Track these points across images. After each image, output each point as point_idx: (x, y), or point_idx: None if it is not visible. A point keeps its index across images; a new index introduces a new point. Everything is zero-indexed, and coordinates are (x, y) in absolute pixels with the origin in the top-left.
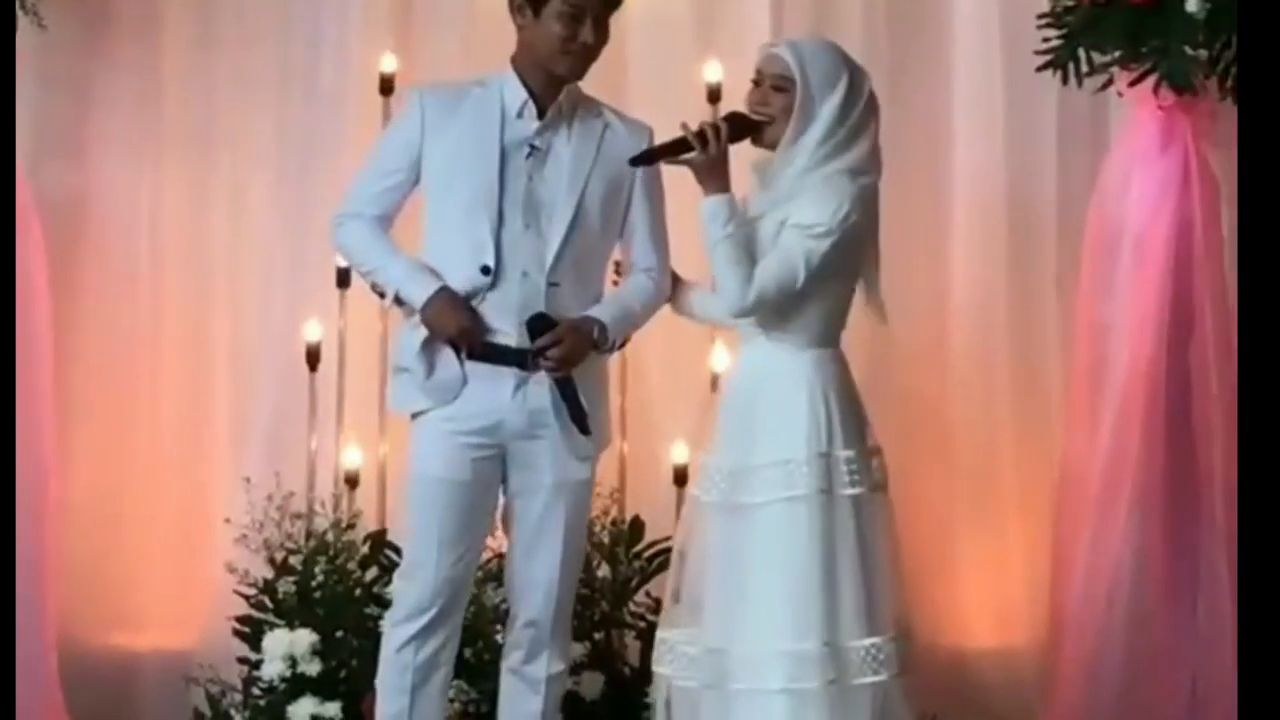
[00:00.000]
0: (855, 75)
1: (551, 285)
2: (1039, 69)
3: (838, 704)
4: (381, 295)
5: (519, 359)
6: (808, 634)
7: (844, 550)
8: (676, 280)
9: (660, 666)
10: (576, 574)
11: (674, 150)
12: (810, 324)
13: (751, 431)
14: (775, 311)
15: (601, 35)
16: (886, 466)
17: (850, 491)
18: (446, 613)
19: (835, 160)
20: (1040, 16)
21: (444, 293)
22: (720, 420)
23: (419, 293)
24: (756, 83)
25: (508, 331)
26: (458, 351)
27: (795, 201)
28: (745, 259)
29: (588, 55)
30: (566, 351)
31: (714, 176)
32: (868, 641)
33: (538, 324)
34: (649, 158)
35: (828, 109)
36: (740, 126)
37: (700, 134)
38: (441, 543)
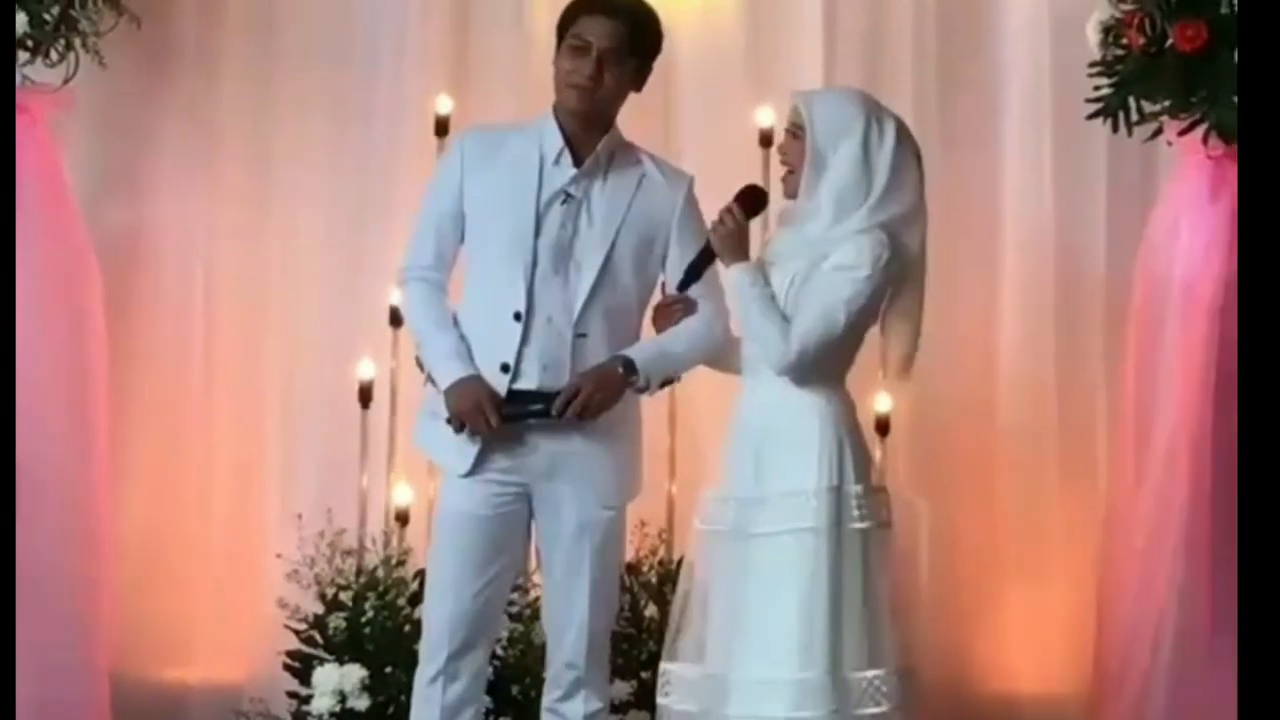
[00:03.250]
0: (875, 121)
1: (579, 336)
2: (1089, 117)
3: None
4: (422, 368)
5: (540, 413)
6: (812, 663)
7: (850, 583)
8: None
9: (662, 698)
10: (611, 613)
11: (709, 258)
12: (826, 370)
13: (762, 463)
14: (808, 366)
15: (613, 76)
16: (890, 505)
17: (859, 526)
18: (468, 648)
19: (870, 213)
20: (1091, 65)
21: (470, 380)
22: (729, 454)
23: (445, 376)
24: (785, 130)
25: (532, 376)
26: (460, 429)
27: (829, 249)
28: (778, 310)
29: (593, 92)
30: (586, 399)
31: (733, 251)
32: (870, 673)
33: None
34: (692, 278)
35: (841, 156)
36: (752, 198)
37: (719, 221)
38: (459, 577)
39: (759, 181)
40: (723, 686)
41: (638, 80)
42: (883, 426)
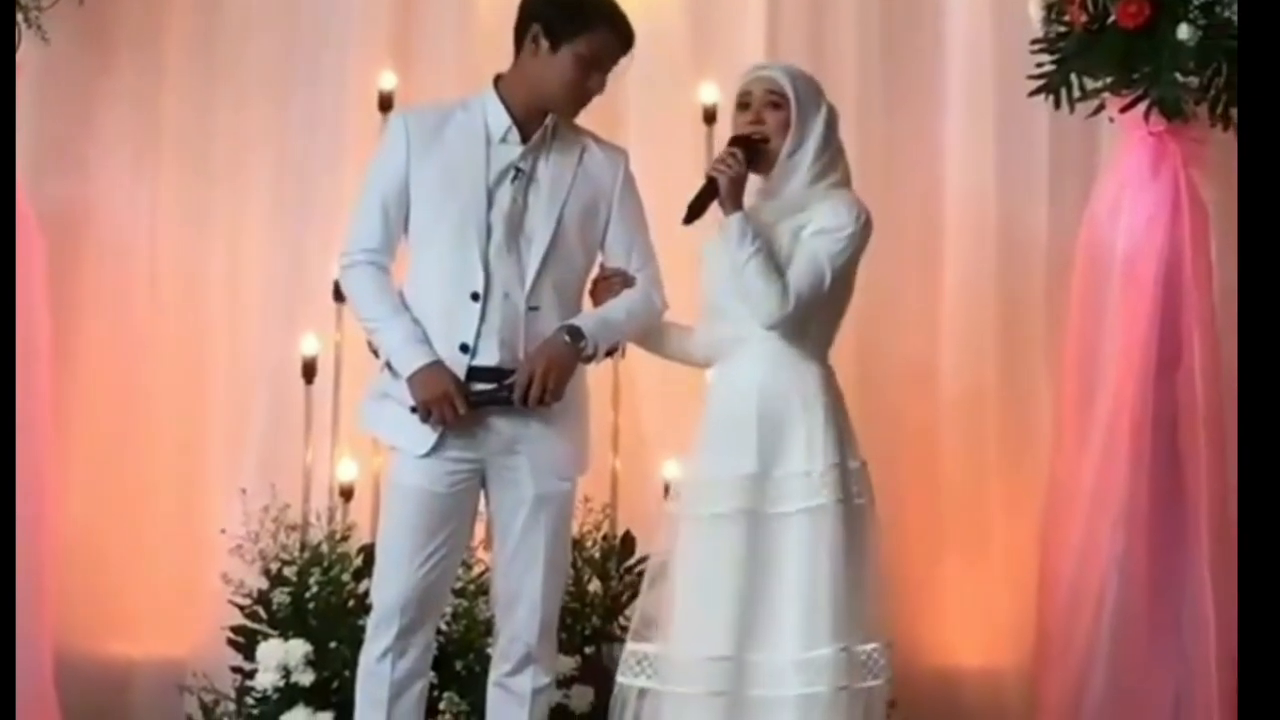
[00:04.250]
0: (828, 101)
1: (531, 309)
2: (1031, 94)
3: (843, 708)
4: (376, 354)
5: (504, 400)
6: (825, 639)
7: (855, 558)
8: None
9: (635, 679)
10: (561, 588)
11: (711, 195)
12: (816, 335)
13: (766, 443)
14: (796, 320)
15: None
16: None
17: (859, 501)
18: (418, 623)
19: (831, 175)
20: (1033, 42)
21: (433, 366)
22: (717, 435)
23: (406, 363)
24: (745, 105)
25: (491, 353)
26: (426, 418)
27: (809, 211)
28: (777, 269)
29: (588, 101)
30: (543, 381)
31: (734, 197)
32: (870, 646)
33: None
34: (696, 213)
35: (817, 125)
36: (749, 148)
37: (721, 162)
38: (412, 552)
39: (701, 157)
40: (737, 669)
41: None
42: None
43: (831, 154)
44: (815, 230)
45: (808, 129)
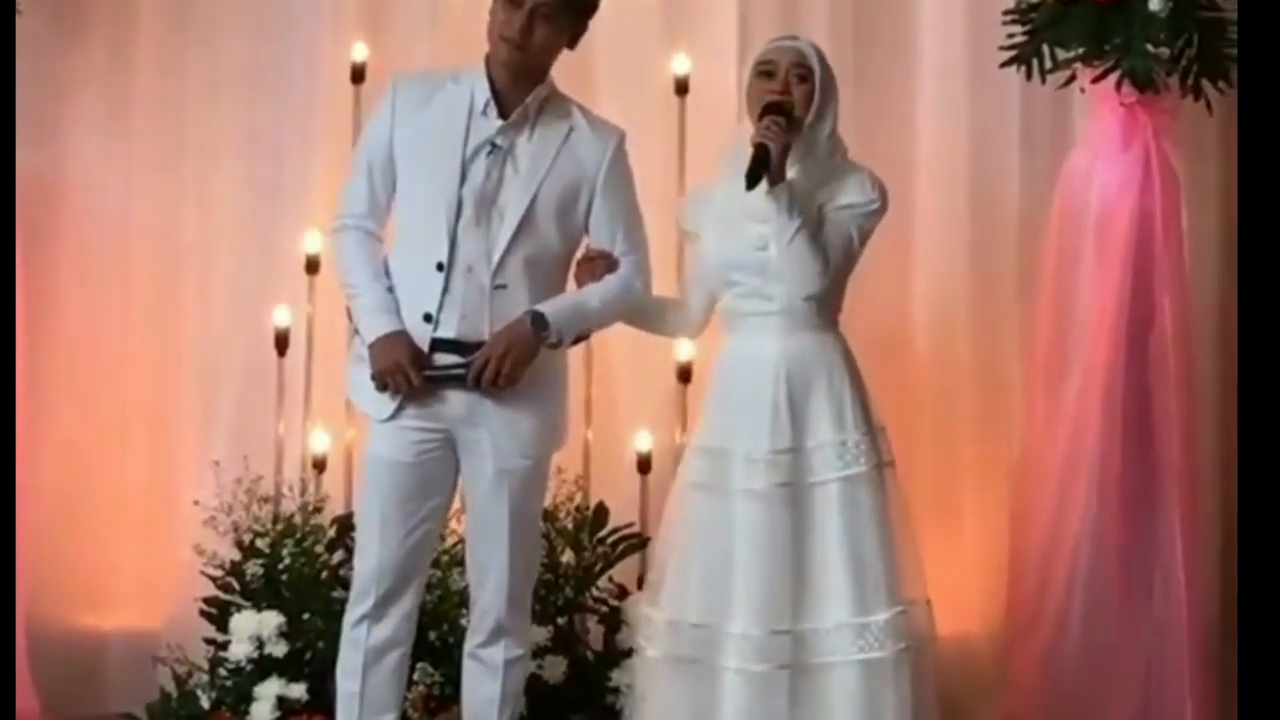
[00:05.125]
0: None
1: (498, 287)
2: (1003, 65)
3: (906, 669)
4: (351, 319)
5: (459, 379)
6: (881, 603)
7: (897, 519)
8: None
9: (651, 647)
10: (532, 560)
11: (765, 163)
12: (834, 305)
13: (795, 414)
14: (827, 292)
15: (544, 32)
16: None
17: (889, 463)
18: (396, 592)
19: (841, 148)
20: (1005, 13)
21: (393, 336)
22: (735, 408)
23: (370, 331)
24: (768, 74)
25: (450, 325)
26: (383, 387)
27: (830, 186)
28: (821, 242)
29: (522, 46)
30: (497, 366)
31: (782, 165)
32: (921, 605)
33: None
34: (754, 180)
35: (834, 102)
36: (789, 115)
37: (768, 129)
38: (385, 521)
39: (673, 129)
40: (794, 640)
41: (572, 38)
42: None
43: (836, 130)
44: (843, 205)
45: (828, 103)
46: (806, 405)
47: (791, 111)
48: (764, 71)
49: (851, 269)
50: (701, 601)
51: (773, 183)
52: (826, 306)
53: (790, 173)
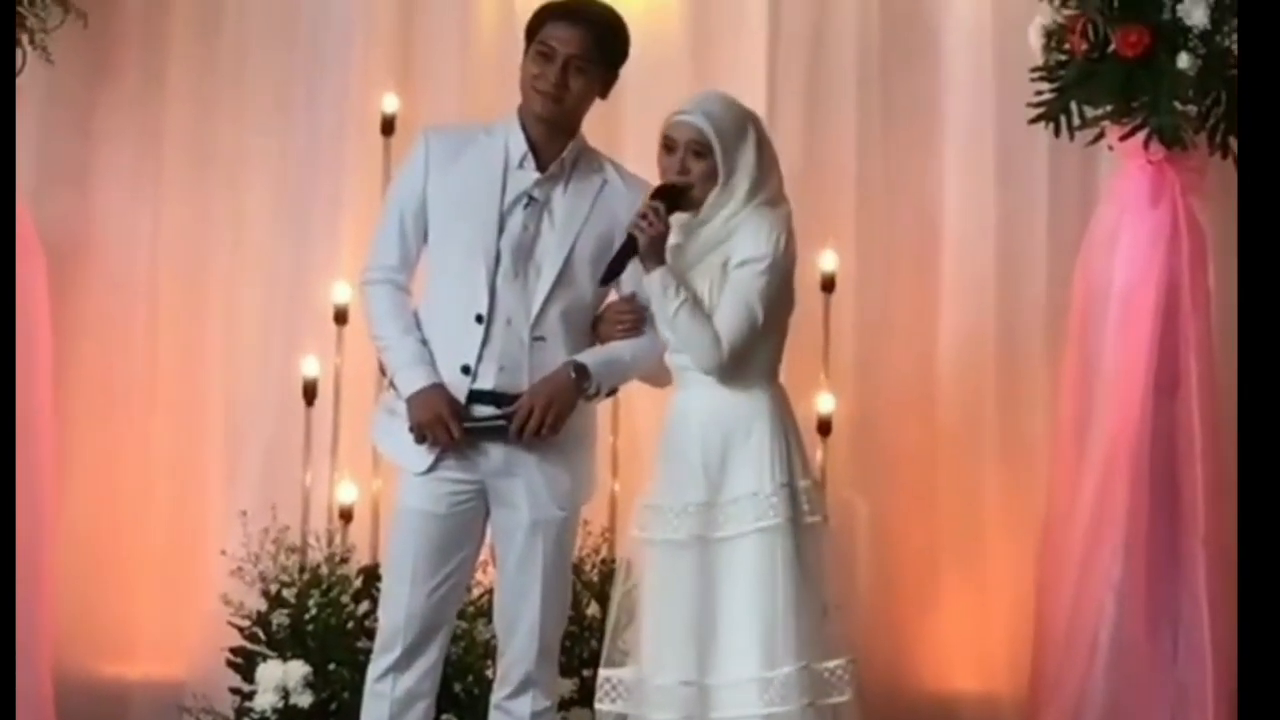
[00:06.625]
0: (755, 120)
1: (537, 339)
2: (1031, 121)
3: None
4: (383, 372)
5: (501, 430)
6: (786, 658)
7: (810, 576)
8: None
9: (609, 704)
10: (561, 612)
11: (631, 252)
12: (760, 361)
13: (713, 469)
14: (734, 362)
15: (578, 84)
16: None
17: (811, 519)
18: (421, 645)
19: (762, 193)
20: (1033, 70)
21: (432, 389)
22: (670, 462)
23: (408, 384)
24: (669, 148)
25: (489, 376)
26: (421, 439)
27: (730, 242)
28: (706, 316)
29: (558, 98)
30: (540, 417)
31: (656, 251)
32: (833, 663)
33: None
34: (615, 272)
35: (746, 158)
36: (674, 196)
37: (643, 217)
38: (415, 574)
39: None
40: (700, 693)
41: (604, 88)
42: (824, 427)
43: (764, 171)
44: (738, 262)
45: (736, 165)
46: (724, 461)
47: (686, 190)
48: (665, 145)
49: (771, 322)
50: (636, 657)
51: (648, 270)
52: (747, 364)
53: (682, 233)
